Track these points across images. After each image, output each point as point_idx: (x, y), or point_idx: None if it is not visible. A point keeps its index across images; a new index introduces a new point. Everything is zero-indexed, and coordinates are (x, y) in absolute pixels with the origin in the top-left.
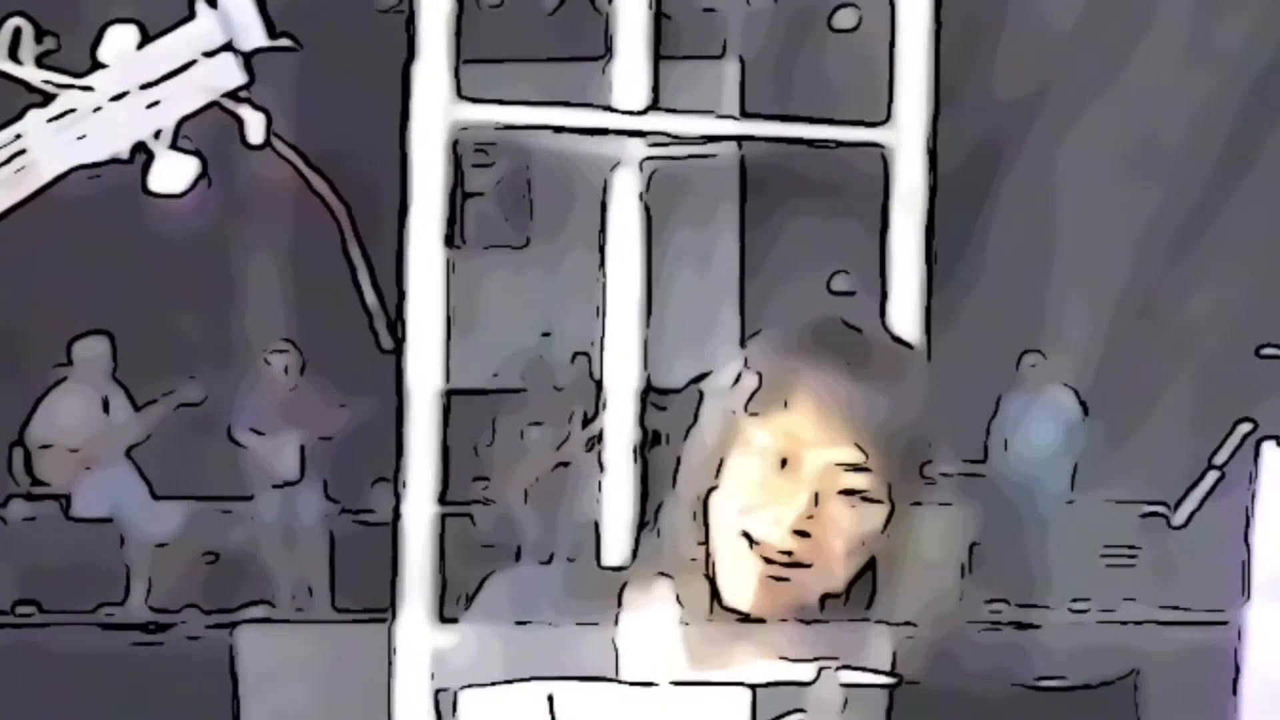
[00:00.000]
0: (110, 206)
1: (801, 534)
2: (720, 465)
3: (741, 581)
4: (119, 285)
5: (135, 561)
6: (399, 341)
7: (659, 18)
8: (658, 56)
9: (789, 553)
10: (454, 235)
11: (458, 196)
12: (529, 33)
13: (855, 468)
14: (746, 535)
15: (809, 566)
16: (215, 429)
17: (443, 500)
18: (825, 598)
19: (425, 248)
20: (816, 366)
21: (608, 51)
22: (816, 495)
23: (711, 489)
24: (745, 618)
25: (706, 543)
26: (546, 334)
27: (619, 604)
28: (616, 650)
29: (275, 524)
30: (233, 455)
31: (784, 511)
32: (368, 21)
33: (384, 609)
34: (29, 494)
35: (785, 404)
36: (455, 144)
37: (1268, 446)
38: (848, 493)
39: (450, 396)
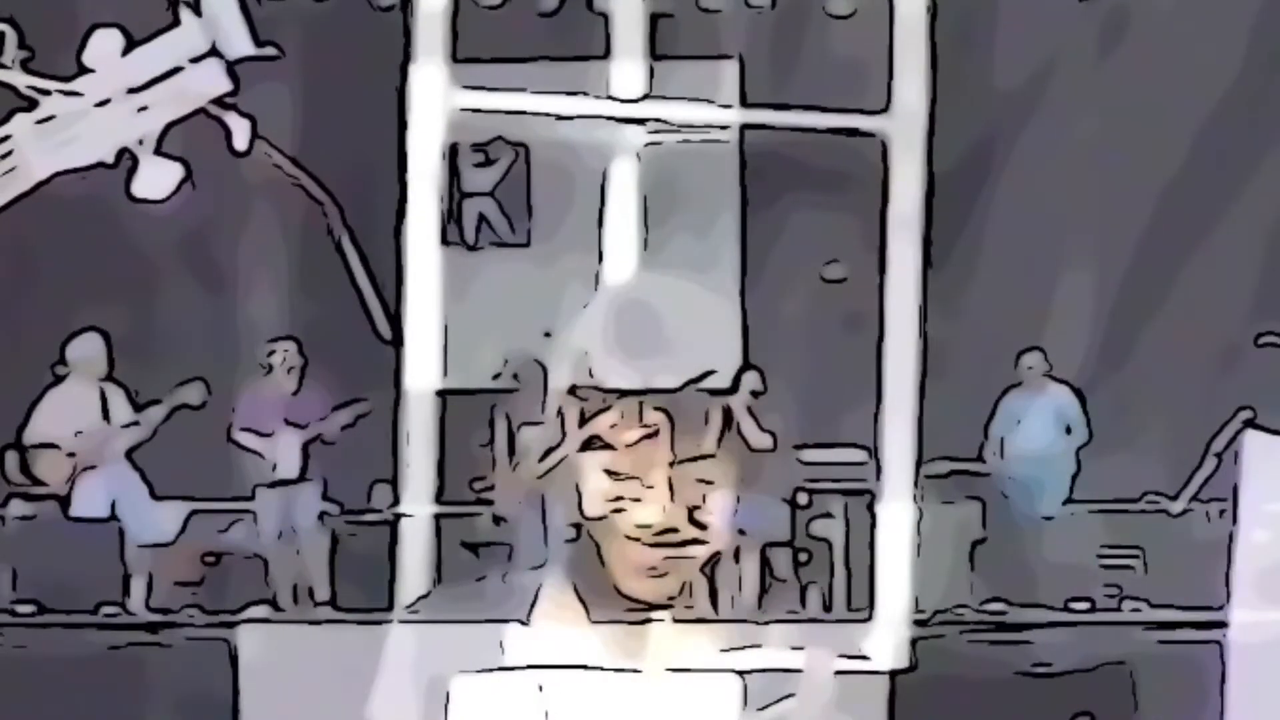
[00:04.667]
0: (101, 204)
1: (670, 530)
2: (576, 465)
3: (621, 571)
4: (113, 283)
5: (135, 561)
6: (398, 332)
7: (655, 16)
8: (655, 54)
9: (659, 545)
10: (452, 234)
11: (456, 196)
12: (526, 34)
13: (700, 458)
14: (623, 533)
15: (681, 551)
16: (215, 429)
17: (440, 500)
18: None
19: (422, 242)
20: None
21: (606, 51)
22: (671, 487)
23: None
24: (641, 606)
25: (594, 538)
26: (547, 334)
27: (532, 605)
28: (502, 648)
29: (275, 524)
30: (233, 455)
31: (646, 505)
32: (367, 21)
33: (384, 608)
34: (27, 494)
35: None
36: (454, 145)
37: (1250, 435)
38: (698, 480)
39: (448, 396)
